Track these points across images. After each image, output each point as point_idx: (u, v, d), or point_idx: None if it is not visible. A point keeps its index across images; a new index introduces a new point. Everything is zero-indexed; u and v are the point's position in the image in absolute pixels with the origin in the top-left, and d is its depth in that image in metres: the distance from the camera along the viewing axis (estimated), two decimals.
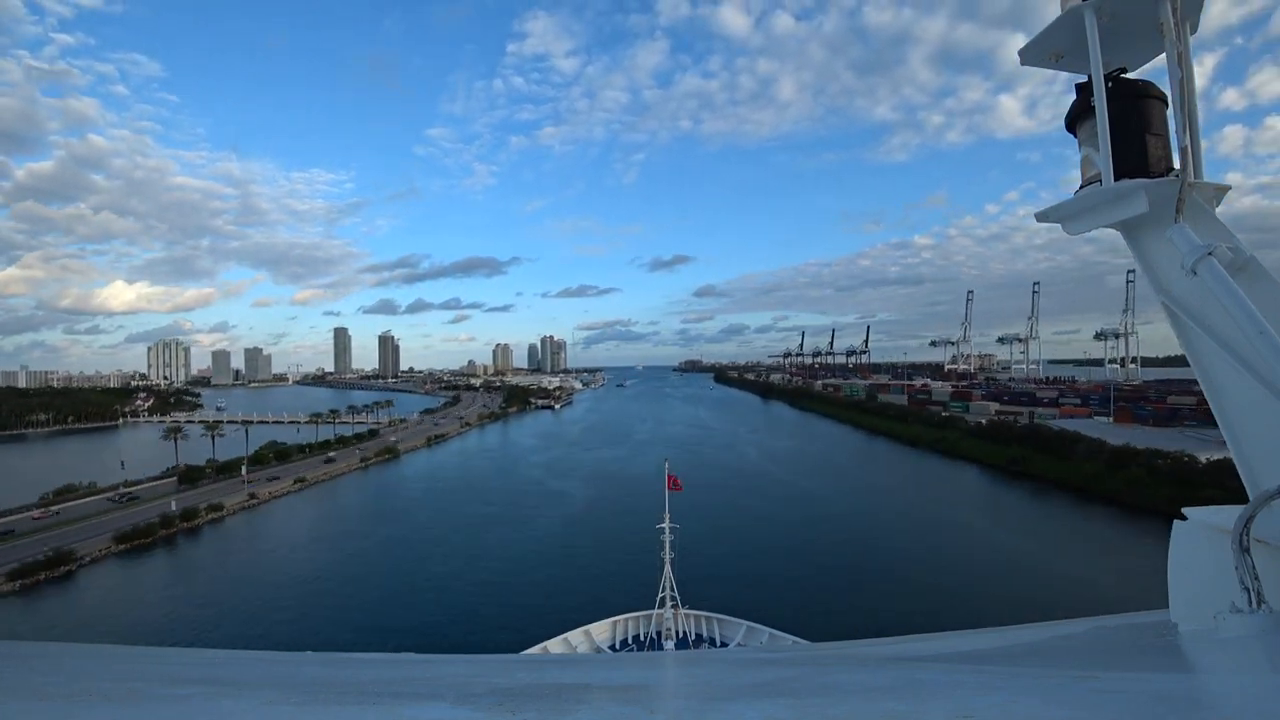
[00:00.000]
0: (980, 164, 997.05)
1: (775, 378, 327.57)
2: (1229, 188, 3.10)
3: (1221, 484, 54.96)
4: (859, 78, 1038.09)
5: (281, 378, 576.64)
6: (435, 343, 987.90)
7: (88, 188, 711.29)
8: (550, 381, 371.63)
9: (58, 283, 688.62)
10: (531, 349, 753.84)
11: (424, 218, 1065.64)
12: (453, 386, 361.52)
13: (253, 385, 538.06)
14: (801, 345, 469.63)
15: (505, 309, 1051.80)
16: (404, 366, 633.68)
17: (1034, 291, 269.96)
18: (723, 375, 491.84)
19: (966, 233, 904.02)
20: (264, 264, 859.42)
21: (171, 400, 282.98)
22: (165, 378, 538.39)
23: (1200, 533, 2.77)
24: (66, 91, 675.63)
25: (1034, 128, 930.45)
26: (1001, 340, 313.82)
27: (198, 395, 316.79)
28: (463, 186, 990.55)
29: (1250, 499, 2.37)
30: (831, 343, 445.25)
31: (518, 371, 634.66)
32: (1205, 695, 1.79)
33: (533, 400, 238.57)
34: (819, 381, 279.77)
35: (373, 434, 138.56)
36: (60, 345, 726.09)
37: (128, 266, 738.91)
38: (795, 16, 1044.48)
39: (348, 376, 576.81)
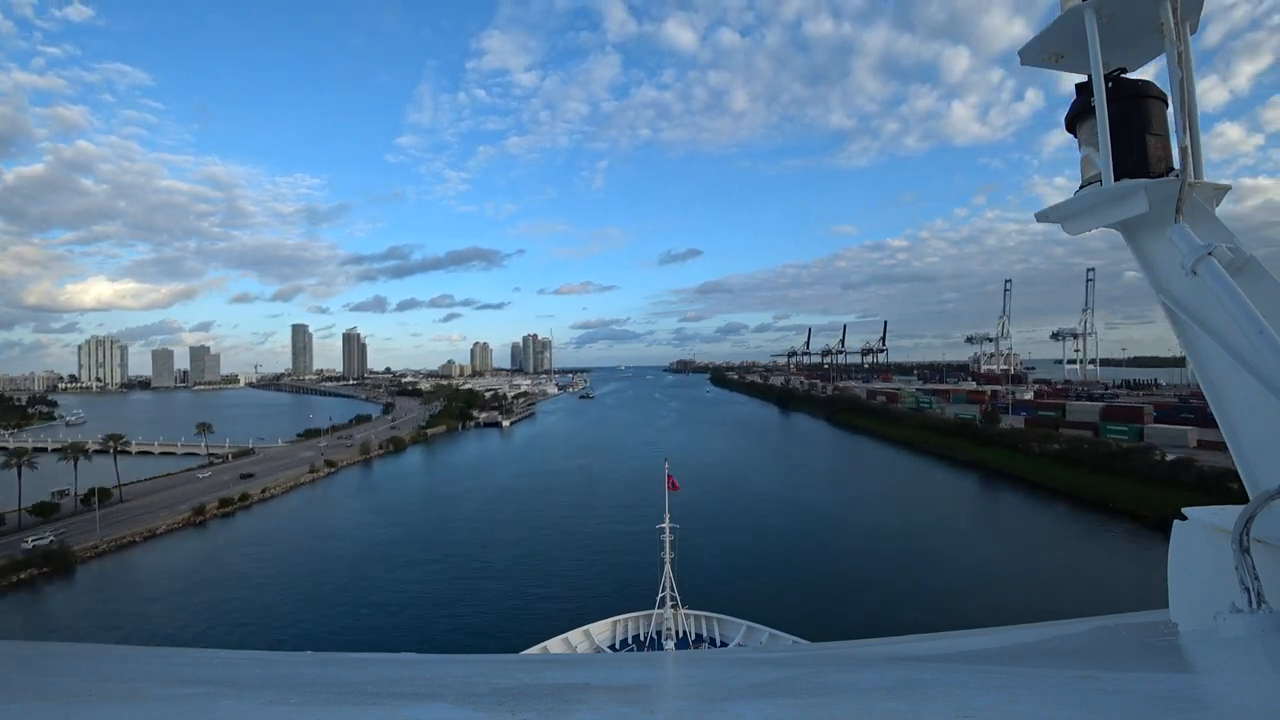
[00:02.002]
0: (943, 170, 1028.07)
1: (795, 382, 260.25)
2: (1229, 187, 3.00)
3: None
4: (808, 87, 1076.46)
5: (232, 379, 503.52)
6: (425, 342, 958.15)
7: (77, 190, 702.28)
8: (520, 384, 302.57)
9: (30, 279, 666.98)
10: (515, 348, 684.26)
11: (406, 222, 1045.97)
12: (403, 391, 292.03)
13: (198, 388, 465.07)
14: (808, 343, 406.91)
15: (500, 306, 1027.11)
16: (380, 367, 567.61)
17: (1088, 280, 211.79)
18: (720, 377, 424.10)
19: (939, 235, 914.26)
20: (250, 264, 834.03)
21: (19, 409, 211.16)
22: (98, 379, 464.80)
23: (1200, 533, 2.68)
24: (54, 100, 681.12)
25: (989, 135, 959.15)
26: (1056, 336, 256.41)
27: (54, 404, 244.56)
28: (436, 193, 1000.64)
29: (1250, 499, 2.31)
30: (843, 340, 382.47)
31: (498, 373, 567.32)
32: (1205, 695, 1.75)
33: (476, 413, 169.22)
34: (860, 385, 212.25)
35: (101, 497, 69.53)
36: (43, 343, 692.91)
37: (115, 267, 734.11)
38: (739, 31, 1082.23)
39: (308, 378, 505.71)
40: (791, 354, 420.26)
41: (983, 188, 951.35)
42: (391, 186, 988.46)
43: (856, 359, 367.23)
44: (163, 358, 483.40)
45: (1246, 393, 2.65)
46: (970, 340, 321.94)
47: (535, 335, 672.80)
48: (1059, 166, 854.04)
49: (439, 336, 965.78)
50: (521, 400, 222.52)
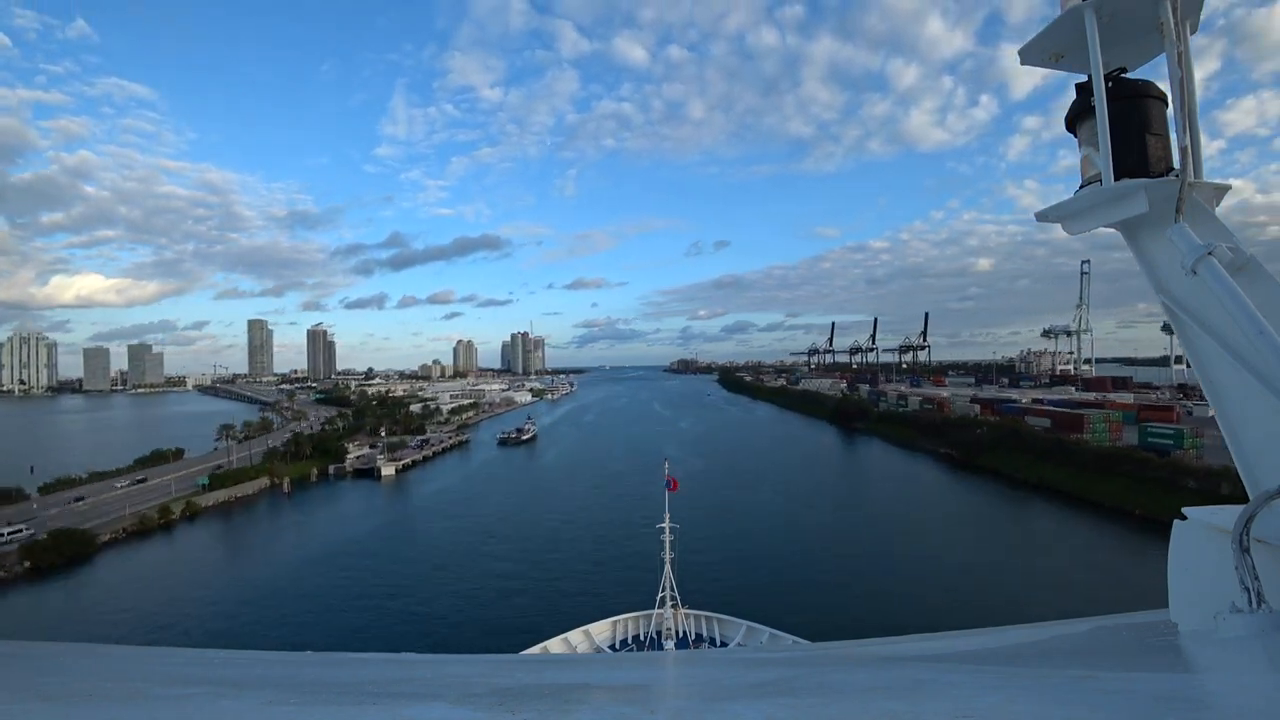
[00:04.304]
0: (913, 174, 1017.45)
1: (827, 386, 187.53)
2: (1229, 187, 2.96)
3: None
4: (763, 97, 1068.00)
5: (178, 381, 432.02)
6: (425, 341, 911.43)
7: (78, 196, 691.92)
8: (487, 389, 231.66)
9: (13, 277, 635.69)
10: (504, 346, 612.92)
11: (394, 227, 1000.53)
12: (332, 400, 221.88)
13: (138, 391, 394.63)
14: (831, 340, 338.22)
15: (505, 303, 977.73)
16: (361, 367, 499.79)
17: None
18: (733, 380, 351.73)
19: (919, 237, 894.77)
20: (247, 266, 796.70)
21: None
22: (22, 382, 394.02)
23: (1200, 533, 2.60)
24: (57, 113, 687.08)
25: (951, 140, 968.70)
26: (1167, 329, 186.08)
27: None
28: (418, 200, 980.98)
29: (1250, 499, 2.27)
30: (873, 336, 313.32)
31: (483, 373, 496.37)
32: (1205, 695, 1.72)
33: (355, 446, 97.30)
34: (913, 390, 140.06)
35: None
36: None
37: (114, 269, 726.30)
38: (686, 47, 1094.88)
39: (265, 379, 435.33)
40: (813, 352, 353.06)
41: (955, 191, 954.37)
42: (377, 193, 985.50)
43: (889, 358, 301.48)
44: (96, 357, 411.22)
45: (1246, 393, 2.58)
46: (1047, 334, 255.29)
47: (526, 333, 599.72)
48: (1027, 170, 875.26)
49: (438, 336, 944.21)
50: (464, 416, 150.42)
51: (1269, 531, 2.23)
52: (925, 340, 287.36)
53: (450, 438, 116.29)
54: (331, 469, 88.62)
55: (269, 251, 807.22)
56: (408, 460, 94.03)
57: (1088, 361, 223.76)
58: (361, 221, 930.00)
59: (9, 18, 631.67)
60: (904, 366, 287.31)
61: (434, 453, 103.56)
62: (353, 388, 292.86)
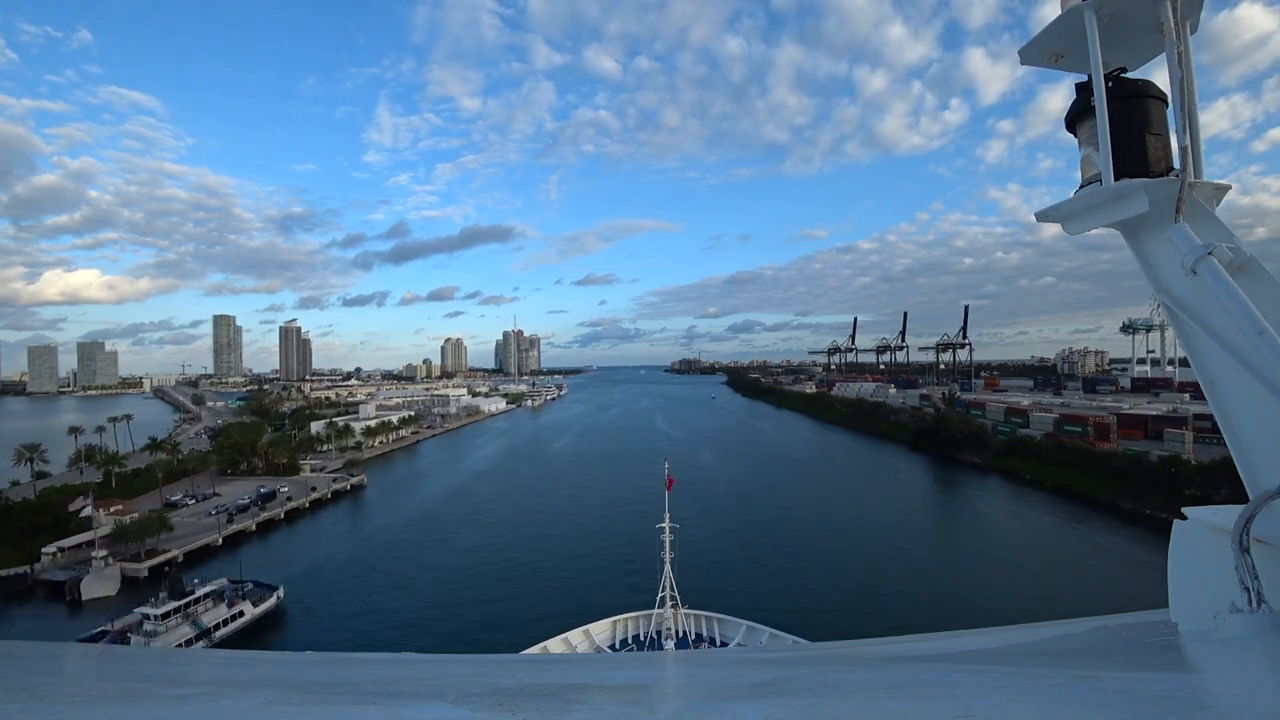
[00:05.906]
0: (893, 177, 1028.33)
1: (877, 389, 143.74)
2: (1229, 187, 2.91)
3: None
4: (734, 104, 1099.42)
5: (134, 382, 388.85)
6: (424, 340, 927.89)
7: (82, 199, 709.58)
8: (452, 393, 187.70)
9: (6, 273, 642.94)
10: (496, 345, 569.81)
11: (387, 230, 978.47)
12: (253, 409, 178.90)
13: (87, 393, 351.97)
14: (853, 338, 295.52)
15: (510, 300, 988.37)
16: (361, 366, 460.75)
17: None
18: (744, 382, 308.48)
19: (907, 238, 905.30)
20: (244, 266, 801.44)
21: None
22: None
23: (1200, 533, 2.59)
24: (61, 120, 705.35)
25: (926, 144, 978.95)
26: None
27: None
28: (409, 203, 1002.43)
29: (1250, 499, 2.26)
30: (903, 334, 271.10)
31: (473, 373, 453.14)
32: (1205, 695, 1.70)
33: (106, 516, 53.45)
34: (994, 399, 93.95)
35: None
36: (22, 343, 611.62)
37: (115, 269, 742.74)
38: (653, 58, 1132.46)
39: (233, 380, 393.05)
40: (833, 351, 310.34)
41: (938, 194, 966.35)
42: (370, 197, 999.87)
43: (921, 357, 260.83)
44: (42, 356, 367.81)
45: (1246, 393, 2.56)
46: (1126, 329, 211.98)
47: (520, 331, 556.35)
48: (1007, 173, 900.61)
49: (438, 335, 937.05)
50: (392, 437, 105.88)
51: (1269, 531, 2.18)
52: (965, 338, 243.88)
53: (327, 484, 71.46)
54: (9, 574, 43.94)
55: (268, 252, 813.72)
56: (174, 554, 47.05)
57: (1171, 363, 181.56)
58: (357, 224, 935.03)
59: (14, 32, 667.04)
60: (942, 367, 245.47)
61: (263, 522, 58.21)
62: (306, 391, 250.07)
